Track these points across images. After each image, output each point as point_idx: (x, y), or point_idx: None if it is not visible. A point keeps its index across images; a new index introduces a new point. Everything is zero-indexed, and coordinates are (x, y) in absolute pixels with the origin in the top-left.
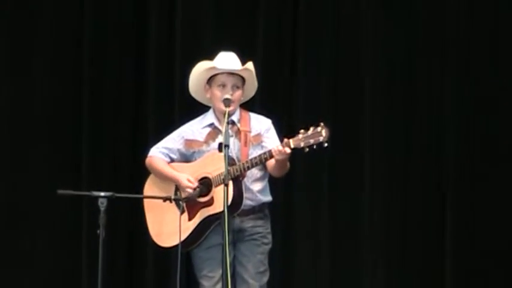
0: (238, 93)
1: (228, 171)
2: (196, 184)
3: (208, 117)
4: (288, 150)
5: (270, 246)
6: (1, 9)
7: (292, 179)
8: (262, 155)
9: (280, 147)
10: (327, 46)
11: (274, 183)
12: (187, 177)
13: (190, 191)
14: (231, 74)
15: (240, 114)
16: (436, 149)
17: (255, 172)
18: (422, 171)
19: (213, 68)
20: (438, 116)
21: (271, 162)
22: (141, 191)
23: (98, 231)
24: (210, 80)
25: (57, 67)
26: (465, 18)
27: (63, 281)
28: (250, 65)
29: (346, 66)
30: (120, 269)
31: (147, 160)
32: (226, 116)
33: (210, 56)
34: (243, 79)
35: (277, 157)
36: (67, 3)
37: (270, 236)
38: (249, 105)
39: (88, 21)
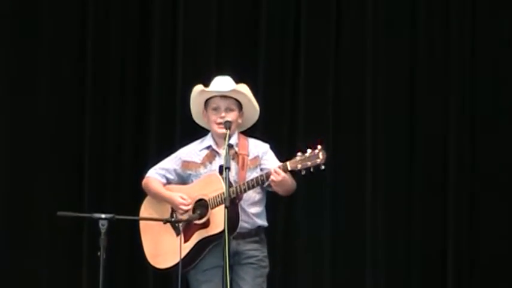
0: (232, 115)
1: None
2: (189, 201)
3: (207, 140)
4: (283, 174)
5: (267, 270)
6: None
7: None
8: (259, 177)
9: (277, 169)
10: (328, 67)
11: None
12: (181, 194)
13: (184, 208)
14: (224, 96)
15: (238, 138)
16: (439, 161)
17: (253, 195)
18: (425, 187)
19: (203, 91)
20: (442, 130)
21: None
22: (139, 213)
23: (99, 253)
24: (206, 104)
25: (59, 86)
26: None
27: None
28: (241, 86)
29: (348, 87)
30: None
31: (144, 181)
32: (227, 138)
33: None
34: (239, 102)
35: (273, 178)
36: (68, 27)
37: (267, 260)
38: (250, 127)
39: (90, 42)
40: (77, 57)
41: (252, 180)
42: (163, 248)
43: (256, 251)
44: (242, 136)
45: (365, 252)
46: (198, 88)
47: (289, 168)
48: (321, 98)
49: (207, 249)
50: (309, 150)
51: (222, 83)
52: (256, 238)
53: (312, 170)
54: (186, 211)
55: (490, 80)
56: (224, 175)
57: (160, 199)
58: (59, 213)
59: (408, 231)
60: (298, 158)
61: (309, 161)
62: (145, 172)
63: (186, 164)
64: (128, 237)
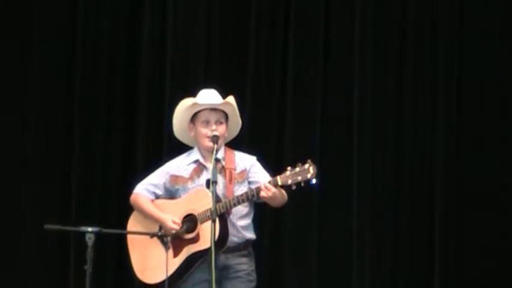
0: (222, 128)
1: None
2: (180, 225)
3: (194, 154)
4: (273, 189)
5: (254, 284)
6: None
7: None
8: (249, 192)
9: (267, 184)
10: (316, 83)
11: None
12: (172, 218)
13: (174, 232)
14: (214, 109)
15: (225, 152)
16: (427, 176)
17: (241, 209)
18: (412, 202)
19: (195, 104)
20: (431, 137)
21: None
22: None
23: (85, 267)
24: (194, 118)
25: (48, 97)
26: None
27: None
28: (231, 99)
29: (335, 104)
30: None
31: (132, 197)
32: (214, 152)
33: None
34: (226, 114)
35: (263, 194)
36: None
37: (254, 274)
38: (237, 143)
39: (79, 55)
40: (66, 71)
41: (241, 195)
42: (151, 262)
43: (244, 265)
44: (228, 149)
45: (351, 268)
46: (189, 101)
47: (279, 183)
48: (310, 92)
49: (196, 264)
50: (299, 165)
51: (210, 96)
52: (245, 252)
53: (302, 184)
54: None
55: (477, 84)
56: (211, 189)
57: (149, 218)
58: (46, 226)
59: (395, 242)
60: (288, 172)
61: (299, 175)
62: (133, 186)
63: (174, 178)
64: (115, 250)
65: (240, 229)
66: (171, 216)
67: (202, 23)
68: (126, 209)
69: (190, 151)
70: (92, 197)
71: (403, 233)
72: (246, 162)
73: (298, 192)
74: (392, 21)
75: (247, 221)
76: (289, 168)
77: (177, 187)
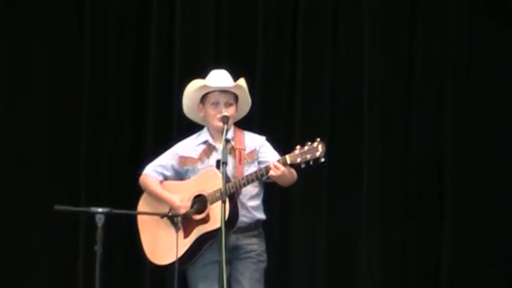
0: (231, 109)
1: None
2: (189, 204)
3: (203, 135)
4: (282, 168)
5: (265, 264)
6: None
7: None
8: (258, 172)
9: (276, 163)
10: (326, 64)
11: (270, 199)
12: (180, 198)
13: (184, 211)
14: (224, 91)
15: (234, 133)
16: (435, 163)
17: (251, 189)
18: (421, 189)
19: (205, 86)
20: (438, 137)
21: None
22: (136, 209)
23: (95, 248)
24: (203, 99)
25: (55, 82)
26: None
27: None
28: (242, 81)
29: (345, 84)
30: (117, 286)
31: (141, 178)
32: (224, 132)
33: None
34: (236, 96)
35: (272, 173)
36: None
37: (265, 255)
38: (247, 123)
39: (87, 40)
40: (73, 55)
41: (251, 174)
42: (162, 244)
43: (255, 245)
44: (238, 130)
45: (359, 251)
46: (198, 83)
47: (288, 162)
48: (319, 92)
49: (207, 245)
50: (308, 143)
51: (221, 78)
52: (255, 232)
53: (311, 163)
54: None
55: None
56: (222, 170)
57: (158, 199)
58: (56, 207)
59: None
60: (297, 151)
61: (308, 154)
62: (142, 167)
63: (183, 159)
64: (125, 231)
65: (251, 209)
66: (179, 196)
67: (211, 22)
68: (135, 190)
69: (200, 132)
70: (100, 178)
71: (412, 221)
72: (255, 142)
73: (307, 175)
74: (402, 20)
75: (257, 202)
76: (298, 146)
77: (186, 168)
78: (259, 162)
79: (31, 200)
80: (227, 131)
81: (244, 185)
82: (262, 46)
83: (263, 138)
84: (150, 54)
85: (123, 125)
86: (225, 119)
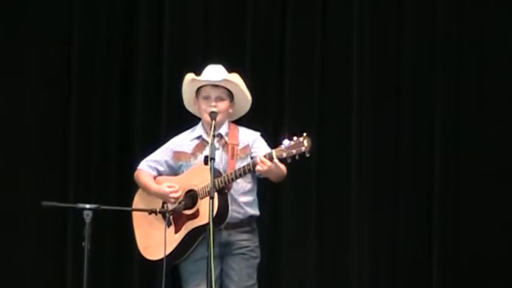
0: (222, 104)
1: (213, 184)
2: (177, 187)
3: (197, 130)
4: (269, 163)
5: (258, 260)
6: None
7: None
8: (246, 166)
9: (262, 158)
10: (315, 57)
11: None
12: (168, 184)
13: (174, 195)
14: (215, 85)
15: (229, 128)
16: (425, 163)
17: (244, 185)
18: (410, 186)
19: (194, 79)
20: (429, 133)
21: None
22: (129, 204)
23: (83, 244)
24: (197, 93)
25: (45, 75)
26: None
27: None
28: (232, 76)
29: (335, 79)
30: (106, 282)
31: (135, 173)
32: (212, 128)
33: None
34: (230, 92)
35: (259, 168)
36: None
37: (258, 250)
38: (237, 119)
39: (76, 31)
40: (62, 43)
41: (239, 169)
42: (154, 239)
43: (247, 241)
44: (233, 125)
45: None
46: (189, 77)
47: (274, 157)
48: (308, 87)
49: (198, 240)
50: (294, 138)
51: (214, 72)
52: (248, 228)
53: (297, 157)
54: (177, 198)
55: (475, 76)
56: (209, 165)
57: (149, 193)
58: (44, 203)
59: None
60: (283, 146)
61: (294, 148)
62: (136, 164)
63: (177, 154)
64: (113, 227)
65: (243, 205)
66: (167, 183)
67: (199, 19)
68: (125, 186)
69: (195, 127)
70: (89, 174)
71: (402, 212)
72: (249, 137)
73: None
74: (391, 11)
75: (250, 198)
76: (285, 141)
77: (180, 163)
78: (252, 158)
79: (18, 193)
80: (215, 126)
81: (233, 179)
82: (251, 42)
83: (257, 134)
84: (139, 52)
85: (112, 116)
86: (213, 115)
